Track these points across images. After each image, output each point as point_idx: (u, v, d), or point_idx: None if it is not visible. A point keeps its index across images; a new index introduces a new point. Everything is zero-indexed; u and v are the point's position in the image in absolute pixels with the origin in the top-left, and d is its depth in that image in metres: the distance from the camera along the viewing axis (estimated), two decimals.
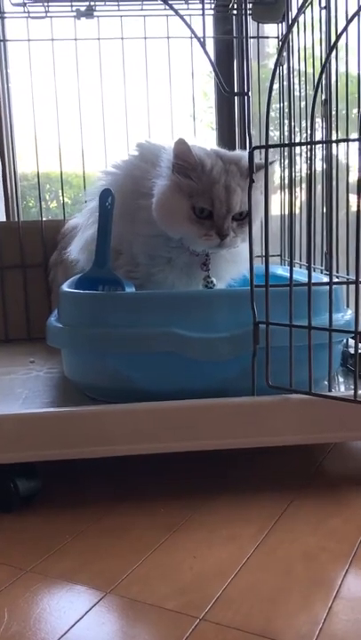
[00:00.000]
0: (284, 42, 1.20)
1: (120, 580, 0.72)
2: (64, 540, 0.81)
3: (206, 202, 0.95)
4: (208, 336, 0.89)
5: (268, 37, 1.52)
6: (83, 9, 1.41)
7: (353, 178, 0.91)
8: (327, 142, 1.13)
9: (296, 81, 1.31)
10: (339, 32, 0.85)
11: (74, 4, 1.41)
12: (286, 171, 1.37)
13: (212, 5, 1.53)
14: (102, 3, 1.42)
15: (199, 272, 1.03)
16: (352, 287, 0.87)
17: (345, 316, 0.97)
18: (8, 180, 1.67)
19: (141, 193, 1.01)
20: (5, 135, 1.64)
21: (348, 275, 1.07)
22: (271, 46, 1.56)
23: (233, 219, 0.96)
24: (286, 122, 1.36)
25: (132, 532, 0.82)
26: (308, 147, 0.87)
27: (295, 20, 1.19)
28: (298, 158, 1.28)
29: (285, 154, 1.37)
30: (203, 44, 0.89)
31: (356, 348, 0.95)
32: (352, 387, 0.92)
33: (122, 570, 0.74)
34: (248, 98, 0.96)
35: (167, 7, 0.91)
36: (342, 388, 1.01)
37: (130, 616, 0.66)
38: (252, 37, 1.48)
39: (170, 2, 0.92)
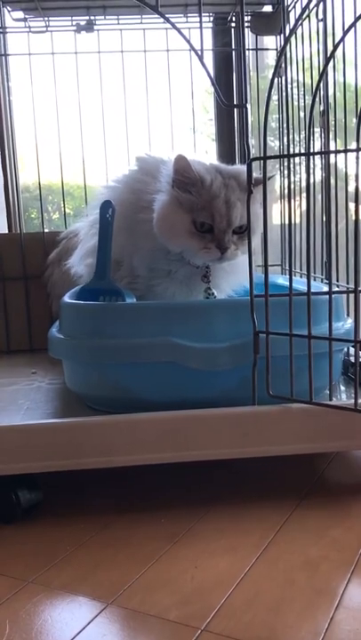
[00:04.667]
0: (282, 54, 1.21)
1: (122, 591, 0.71)
2: (66, 551, 0.81)
3: (207, 216, 0.96)
4: (208, 346, 0.89)
5: (266, 49, 1.54)
6: (83, 23, 1.43)
7: (352, 187, 0.91)
8: (325, 153, 1.14)
9: (295, 92, 1.32)
10: (336, 43, 0.86)
11: (74, 18, 1.43)
12: (286, 181, 1.38)
13: (211, 18, 1.55)
14: (102, 17, 1.43)
15: (200, 284, 1.04)
16: (352, 296, 0.88)
17: (345, 324, 0.97)
18: (10, 192, 1.67)
19: (142, 206, 1.01)
20: (7, 147, 1.65)
21: (348, 284, 1.07)
22: (271, 58, 1.57)
23: (233, 232, 0.97)
24: (285, 132, 1.37)
25: (133, 542, 0.82)
26: (307, 157, 0.88)
27: (292, 32, 1.20)
28: (298, 168, 1.29)
29: (285, 164, 1.38)
30: (201, 58, 0.90)
31: (356, 356, 0.95)
32: (353, 396, 0.92)
33: (123, 581, 0.74)
34: (246, 110, 0.97)
35: (166, 21, 0.92)
36: (343, 397, 1.01)
37: (132, 627, 0.66)
38: (251, 49, 1.49)
39: (168, 15, 0.92)
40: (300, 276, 1.24)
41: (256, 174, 0.90)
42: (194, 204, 0.96)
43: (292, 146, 1.34)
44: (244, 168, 0.98)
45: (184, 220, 0.97)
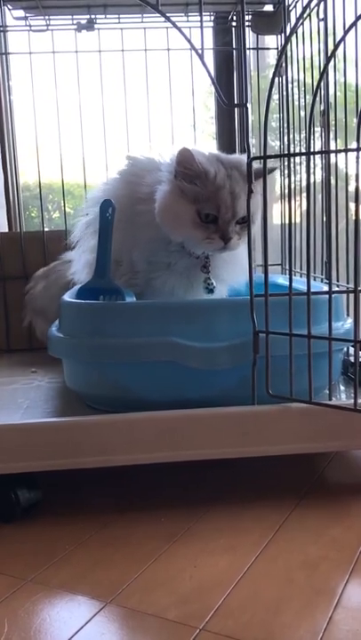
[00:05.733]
0: (282, 53, 1.21)
1: (120, 590, 0.72)
2: (65, 550, 0.81)
3: (212, 208, 0.96)
4: (208, 345, 0.89)
5: (267, 49, 1.53)
6: (83, 22, 1.43)
7: (353, 187, 0.91)
8: (325, 152, 1.14)
9: (295, 91, 1.32)
10: (336, 42, 0.86)
11: (75, 16, 1.43)
12: (286, 180, 1.38)
13: (212, 17, 1.54)
14: (103, 16, 1.43)
15: (199, 275, 1.04)
16: (352, 296, 0.87)
17: (345, 324, 0.97)
18: (10, 191, 1.68)
19: (139, 198, 1.02)
20: (8, 146, 1.65)
21: (348, 283, 1.07)
22: (272, 57, 1.57)
23: (236, 222, 0.97)
24: (286, 132, 1.37)
25: (132, 541, 0.82)
26: (307, 157, 0.88)
27: (293, 31, 1.20)
28: (298, 168, 1.29)
29: (286, 163, 1.38)
30: (201, 57, 0.90)
31: (356, 356, 0.95)
32: (353, 395, 0.92)
33: (122, 580, 0.74)
34: (246, 109, 0.97)
35: (166, 20, 0.92)
36: (343, 397, 1.01)
37: (130, 626, 0.66)
38: (252, 49, 1.49)
39: (168, 14, 0.92)
40: (300, 276, 1.24)
41: (256, 165, 0.90)
42: (198, 194, 0.96)
43: (292, 145, 1.34)
44: (244, 157, 0.98)
45: (188, 211, 0.97)
